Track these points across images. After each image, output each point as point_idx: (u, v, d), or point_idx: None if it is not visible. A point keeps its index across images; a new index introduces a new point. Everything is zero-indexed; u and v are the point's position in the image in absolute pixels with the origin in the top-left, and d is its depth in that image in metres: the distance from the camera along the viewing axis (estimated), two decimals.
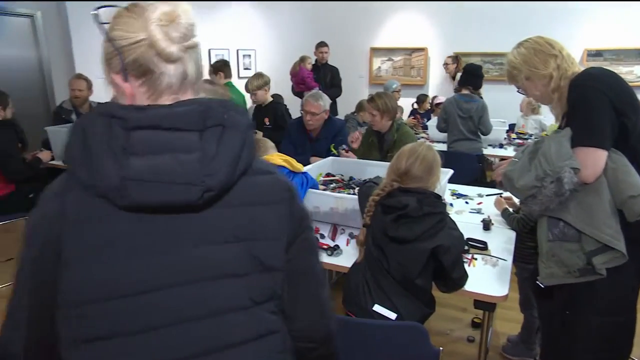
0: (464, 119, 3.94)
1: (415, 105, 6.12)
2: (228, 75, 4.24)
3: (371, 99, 3.13)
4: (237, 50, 6.96)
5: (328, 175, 2.82)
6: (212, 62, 4.88)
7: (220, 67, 4.22)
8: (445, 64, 6.01)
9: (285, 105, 3.99)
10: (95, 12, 0.78)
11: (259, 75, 3.94)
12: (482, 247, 1.97)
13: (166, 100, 0.77)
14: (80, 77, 4.11)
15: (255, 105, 4.13)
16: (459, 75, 5.74)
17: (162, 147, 0.71)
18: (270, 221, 0.81)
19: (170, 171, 0.70)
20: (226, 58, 5.82)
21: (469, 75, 4.05)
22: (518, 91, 1.68)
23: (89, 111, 0.73)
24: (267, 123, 3.90)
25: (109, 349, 0.72)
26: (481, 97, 4.08)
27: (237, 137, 0.76)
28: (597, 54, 6.32)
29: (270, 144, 2.27)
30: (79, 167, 0.71)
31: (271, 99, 3.95)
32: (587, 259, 1.41)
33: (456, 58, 5.89)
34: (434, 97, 5.92)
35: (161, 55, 0.74)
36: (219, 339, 0.77)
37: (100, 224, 0.72)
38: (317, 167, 2.75)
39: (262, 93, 3.84)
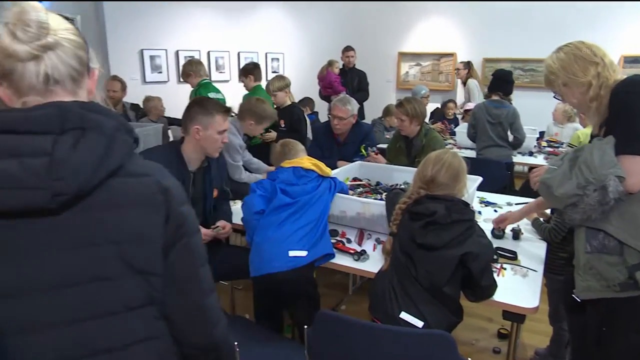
0: (493, 124, 3.88)
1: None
2: (258, 78, 4.28)
3: (400, 104, 3.13)
4: (266, 54, 7.05)
5: (355, 179, 2.82)
6: (241, 65, 4.95)
7: (250, 70, 4.27)
8: (457, 69, 5.95)
9: (303, 110, 3.96)
10: None
11: (280, 77, 3.93)
12: (512, 257, 1.94)
13: (33, 103, 0.76)
14: (115, 78, 4.25)
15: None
16: (469, 81, 5.69)
17: (9, 152, 0.70)
18: (141, 224, 0.80)
19: (11, 176, 0.69)
20: (255, 61, 5.91)
21: (499, 80, 3.98)
22: (554, 96, 1.64)
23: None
24: (282, 125, 3.88)
25: None
26: (511, 103, 4.01)
27: (100, 139, 0.75)
28: (634, 60, 6.13)
29: (300, 146, 2.28)
30: None
31: (289, 102, 3.93)
32: (630, 273, 1.35)
33: (468, 64, 5.83)
34: (448, 102, 5.82)
35: (10, 55, 0.74)
36: (90, 346, 0.77)
37: None
38: (344, 172, 2.76)
39: (282, 95, 3.83)
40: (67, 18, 0.78)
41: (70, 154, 0.72)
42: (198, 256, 0.89)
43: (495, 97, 3.95)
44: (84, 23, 5.06)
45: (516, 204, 2.70)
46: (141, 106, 4.65)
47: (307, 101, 5.34)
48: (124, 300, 0.80)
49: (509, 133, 3.95)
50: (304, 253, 1.82)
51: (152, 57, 5.62)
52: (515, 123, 3.87)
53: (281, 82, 3.82)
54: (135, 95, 4.70)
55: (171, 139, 4.50)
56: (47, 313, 0.75)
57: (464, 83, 5.79)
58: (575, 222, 1.44)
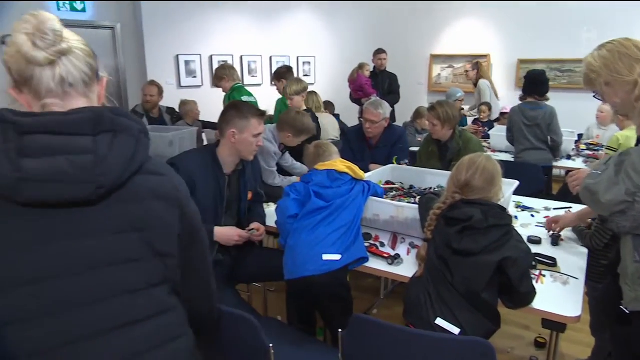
0: (529, 127, 3.75)
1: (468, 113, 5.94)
2: None
3: (432, 107, 3.09)
4: (297, 57, 7.11)
5: (388, 183, 2.81)
6: (273, 69, 4.99)
7: (283, 74, 4.30)
8: (466, 71, 5.82)
9: (317, 117, 3.91)
10: (3, 39, 0.86)
11: (298, 80, 3.89)
12: (551, 263, 1.88)
13: (51, 105, 0.85)
14: (152, 83, 4.37)
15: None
16: (481, 81, 5.56)
17: (57, 150, 0.80)
18: (161, 215, 0.93)
19: (64, 171, 0.79)
20: (287, 64, 5.96)
21: (532, 83, 3.80)
22: (595, 97, 1.57)
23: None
24: None
25: (14, 334, 0.81)
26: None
27: (129, 140, 0.87)
28: None
29: (334, 149, 2.29)
30: None
31: (305, 107, 3.85)
32: None
33: (476, 64, 5.71)
34: (481, 105, 5.70)
35: (29, 61, 0.82)
36: (119, 318, 0.88)
37: None
38: (376, 175, 2.74)
39: (299, 99, 3.79)
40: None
41: (109, 153, 0.83)
42: (205, 245, 1.08)
43: (530, 100, 3.82)
44: (123, 31, 5.25)
45: (554, 208, 2.62)
46: (177, 110, 4.77)
47: (327, 104, 5.32)
48: (147, 278, 0.92)
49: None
50: (337, 257, 1.83)
51: (187, 62, 5.77)
52: (552, 124, 3.73)
53: (298, 86, 3.78)
54: (170, 99, 4.83)
55: (205, 142, 4.60)
56: (85, 292, 0.85)
57: (475, 84, 5.69)
58: (625, 230, 1.37)
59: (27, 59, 0.82)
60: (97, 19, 5.04)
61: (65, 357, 0.84)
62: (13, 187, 0.77)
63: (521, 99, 3.99)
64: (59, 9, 4.76)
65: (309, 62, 7.32)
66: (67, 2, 4.83)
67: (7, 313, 0.81)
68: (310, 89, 4.73)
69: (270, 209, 2.49)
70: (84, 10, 4.96)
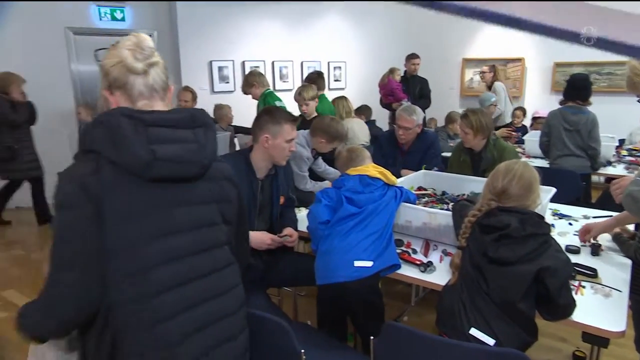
0: (570, 132, 3.60)
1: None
2: (321, 87, 4.29)
3: (464, 115, 2.98)
4: (328, 63, 7.14)
5: (420, 188, 2.78)
6: (304, 75, 5.01)
7: (314, 79, 4.31)
8: (482, 73, 5.71)
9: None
10: (96, 53, 1.09)
11: (309, 86, 3.87)
12: (591, 274, 1.81)
13: (143, 106, 1.09)
14: (187, 89, 4.48)
15: (300, 116, 3.86)
16: (496, 84, 5.42)
17: (173, 139, 1.06)
18: (228, 191, 1.22)
19: (180, 155, 1.06)
20: (318, 70, 5.99)
21: (574, 87, 3.64)
22: (639, 101, 1.53)
23: (108, 111, 1.05)
24: None
25: (146, 281, 1.03)
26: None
27: (213, 134, 1.17)
28: None
29: (366, 153, 2.28)
30: (109, 151, 1.01)
31: (316, 113, 3.82)
32: None
33: (493, 67, 5.59)
34: (516, 110, 5.56)
35: (130, 70, 1.07)
36: (212, 266, 1.17)
37: (130, 190, 1.03)
38: (408, 181, 2.72)
39: (314, 104, 3.78)
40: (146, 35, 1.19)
41: (206, 142, 1.12)
42: (247, 220, 1.42)
43: (571, 104, 3.68)
44: (160, 38, 5.41)
45: (594, 217, 2.53)
46: (210, 115, 4.86)
47: (364, 109, 5.30)
48: (219, 238, 1.20)
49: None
50: (369, 263, 1.82)
51: (220, 68, 5.89)
52: (593, 131, 3.58)
53: (313, 92, 3.78)
54: (203, 104, 4.88)
55: (237, 147, 4.67)
56: (187, 246, 1.10)
57: (489, 87, 5.58)
58: None
59: (128, 68, 1.07)
60: (135, 27, 5.22)
61: (179, 294, 1.08)
62: (148, 166, 1.01)
63: (561, 103, 3.85)
64: (100, 19, 4.95)
65: (340, 67, 7.34)
66: (108, 11, 5.02)
67: (129, 265, 1.03)
68: (340, 94, 4.75)
69: (301, 214, 2.50)
70: (123, 19, 5.15)
